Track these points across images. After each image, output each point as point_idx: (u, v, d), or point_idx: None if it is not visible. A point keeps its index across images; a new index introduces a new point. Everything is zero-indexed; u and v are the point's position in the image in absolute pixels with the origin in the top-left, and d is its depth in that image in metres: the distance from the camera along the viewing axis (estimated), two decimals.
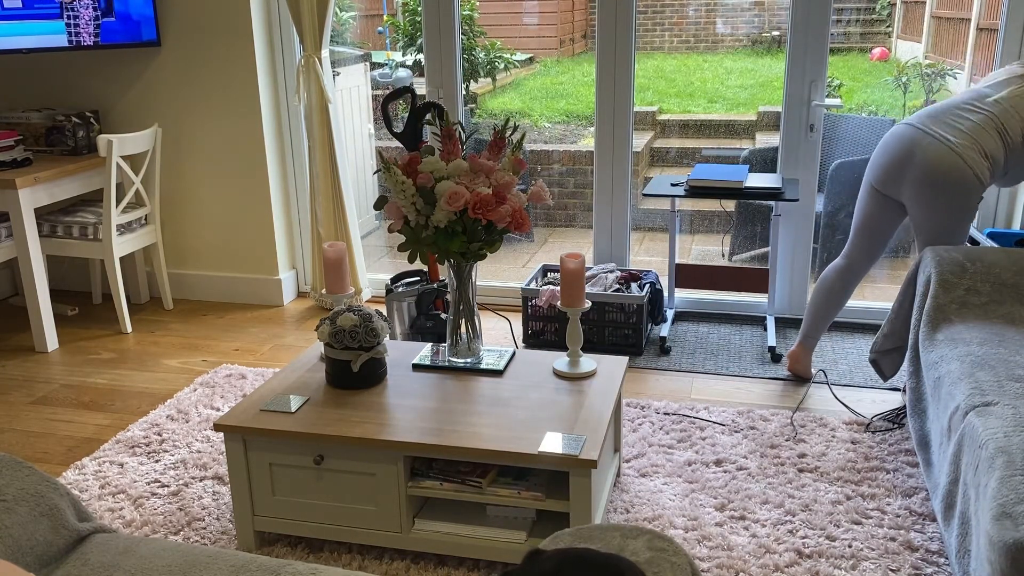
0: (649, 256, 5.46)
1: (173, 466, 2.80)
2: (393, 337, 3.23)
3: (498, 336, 3.78)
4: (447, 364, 2.56)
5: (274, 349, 3.74)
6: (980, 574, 1.79)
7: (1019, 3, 3.35)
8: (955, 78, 6.57)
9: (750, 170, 3.74)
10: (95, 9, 3.83)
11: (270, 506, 2.33)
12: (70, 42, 3.87)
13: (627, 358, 2.63)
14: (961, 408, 2.12)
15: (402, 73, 7.70)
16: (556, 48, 9.27)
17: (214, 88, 4.02)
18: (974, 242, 3.33)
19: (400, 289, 3.28)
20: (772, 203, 3.60)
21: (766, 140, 6.67)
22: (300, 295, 4.38)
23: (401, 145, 3.19)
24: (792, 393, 3.22)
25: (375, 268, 4.99)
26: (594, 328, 3.58)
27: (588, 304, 2.49)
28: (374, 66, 7.15)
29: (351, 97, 5.26)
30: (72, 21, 3.83)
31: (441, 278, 3.38)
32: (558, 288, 3.59)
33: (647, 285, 3.63)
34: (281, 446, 2.27)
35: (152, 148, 3.97)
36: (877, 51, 8.18)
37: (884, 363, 2.93)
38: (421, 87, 4.13)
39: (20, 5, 3.79)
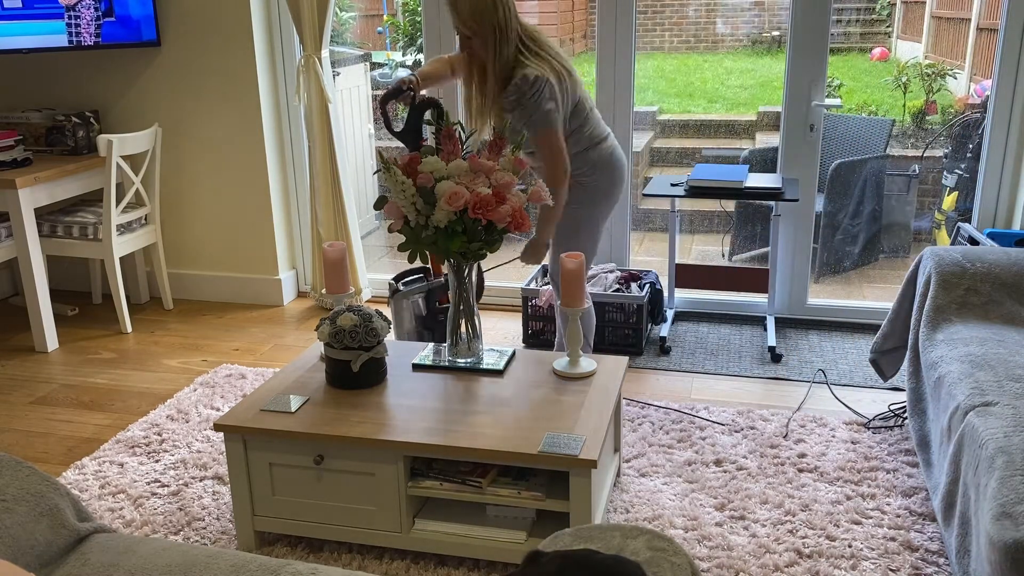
0: (649, 256, 5.46)
1: (173, 466, 2.80)
2: (401, 337, 3.23)
3: (498, 336, 3.78)
4: (447, 364, 2.56)
5: (274, 349, 3.74)
6: (980, 574, 1.79)
7: (1019, 3, 3.35)
8: (955, 78, 6.57)
9: (750, 170, 3.74)
10: (96, 9, 3.83)
11: (270, 506, 2.33)
12: (70, 42, 3.87)
13: (627, 358, 2.63)
14: (961, 408, 2.12)
15: (402, 73, 7.70)
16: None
17: (214, 88, 4.02)
18: (974, 242, 3.34)
19: (407, 287, 3.28)
20: (772, 203, 3.60)
21: (766, 140, 6.66)
22: (300, 295, 4.38)
23: (402, 144, 3.19)
24: (792, 393, 3.22)
25: (375, 268, 4.99)
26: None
27: (588, 304, 2.48)
28: (374, 66, 7.15)
29: (351, 97, 5.26)
30: (73, 21, 3.83)
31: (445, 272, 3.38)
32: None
33: (647, 285, 3.63)
34: (281, 446, 2.27)
35: (152, 148, 3.97)
36: (877, 51, 8.17)
37: (884, 363, 2.93)
38: None
39: (20, 5, 3.80)
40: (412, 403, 2.35)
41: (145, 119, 4.15)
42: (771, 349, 3.50)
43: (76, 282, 4.54)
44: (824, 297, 4.18)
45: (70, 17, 3.82)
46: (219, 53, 3.96)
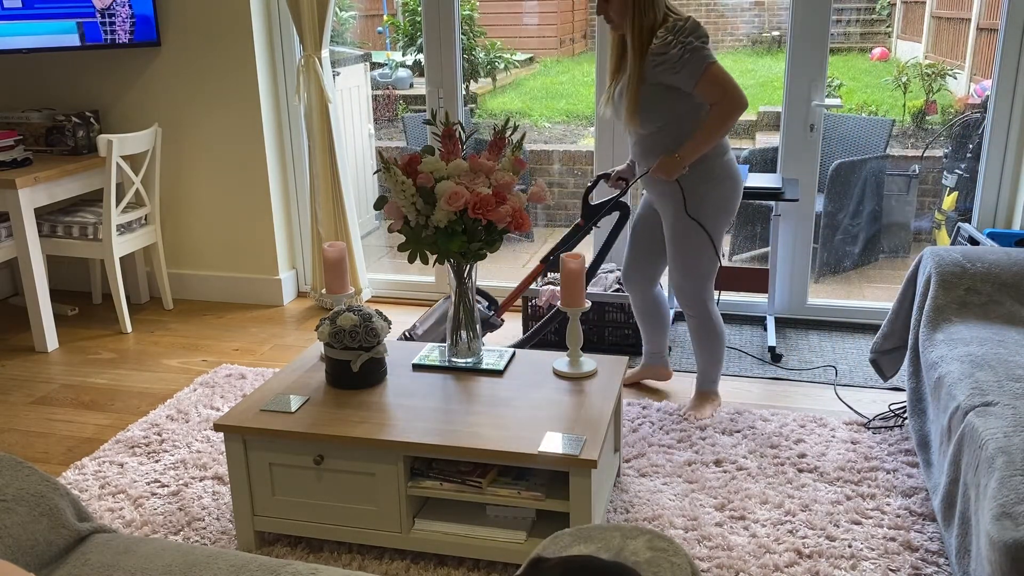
0: None
1: (173, 466, 2.80)
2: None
3: (498, 336, 3.78)
4: (447, 364, 2.56)
5: (274, 349, 3.74)
6: (980, 574, 1.79)
7: (1019, 3, 3.35)
8: (955, 78, 6.57)
9: (750, 170, 3.74)
10: (130, 7, 3.85)
11: (270, 506, 2.33)
12: (105, 40, 3.87)
13: (627, 358, 2.62)
14: (961, 408, 2.12)
15: (402, 73, 7.70)
16: (556, 48, 9.27)
17: (214, 88, 4.02)
18: (974, 242, 3.34)
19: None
20: (772, 203, 3.60)
21: (766, 140, 6.66)
22: (300, 295, 4.38)
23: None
24: (792, 393, 3.22)
25: (375, 268, 4.99)
26: (594, 328, 3.58)
27: (588, 304, 2.49)
28: (374, 66, 7.15)
29: (351, 97, 5.26)
30: (108, 20, 3.84)
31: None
32: (558, 288, 3.59)
33: None
34: (281, 446, 2.27)
35: (152, 148, 3.97)
36: (877, 51, 8.17)
37: (884, 363, 2.93)
38: (421, 87, 4.12)
39: (20, 5, 3.79)
40: (412, 403, 2.35)
41: (145, 119, 4.15)
42: (771, 349, 3.50)
43: (76, 282, 4.54)
44: (824, 297, 4.17)
45: (103, 16, 3.83)
46: (219, 53, 3.96)
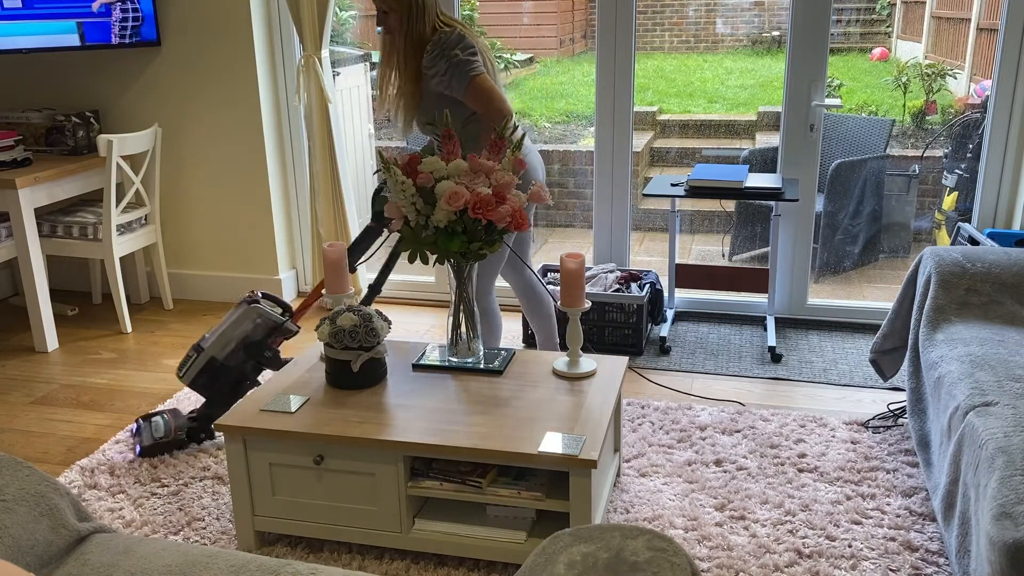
0: (649, 256, 5.46)
1: (173, 466, 2.80)
2: (208, 339, 2.88)
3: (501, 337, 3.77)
4: (447, 364, 2.56)
5: None
6: (980, 574, 1.79)
7: (1019, 3, 3.35)
8: (955, 78, 6.57)
9: (750, 170, 3.74)
10: (126, 11, 3.84)
11: (270, 506, 2.33)
12: (80, 42, 3.87)
13: (627, 358, 2.63)
14: (961, 408, 2.12)
15: None
16: (556, 48, 9.26)
17: (214, 88, 4.02)
18: (974, 242, 3.34)
19: (265, 304, 2.93)
20: (772, 203, 3.60)
21: (766, 140, 6.67)
22: (300, 295, 4.38)
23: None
24: (792, 393, 3.22)
25: (375, 268, 4.98)
26: (594, 328, 3.58)
27: (588, 304, 2.49)
28: (374, 66, 7.14)
29: (351, 97, 5.25)
30: (116, 21, 3.84)
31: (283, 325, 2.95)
32: (558, 288, 3.59)
33: (647, 285, 3.63)
34: (281, 446, 2.27)
35: (152, 148, 3.97)
36: (877, 51, 8.17)
37: (884, 363, 2.93)
38: None
39: (20, 5, 3.79)
40: (412, 403, 2.35)
41: (145, 119, 4.15)
42: (771, 349, 3.50)
43: (76, 282, 4.54)
44: (824, 297, 4.18)
45: (79, 15, 3.83)
46: (219, 53, 3.96)
